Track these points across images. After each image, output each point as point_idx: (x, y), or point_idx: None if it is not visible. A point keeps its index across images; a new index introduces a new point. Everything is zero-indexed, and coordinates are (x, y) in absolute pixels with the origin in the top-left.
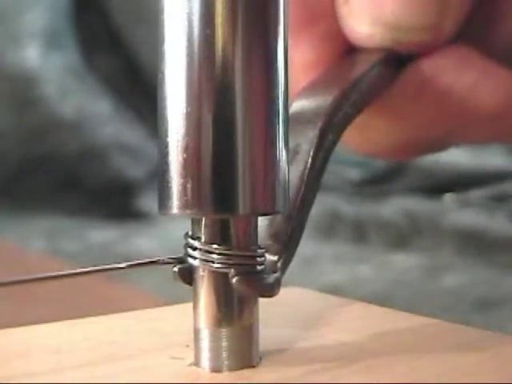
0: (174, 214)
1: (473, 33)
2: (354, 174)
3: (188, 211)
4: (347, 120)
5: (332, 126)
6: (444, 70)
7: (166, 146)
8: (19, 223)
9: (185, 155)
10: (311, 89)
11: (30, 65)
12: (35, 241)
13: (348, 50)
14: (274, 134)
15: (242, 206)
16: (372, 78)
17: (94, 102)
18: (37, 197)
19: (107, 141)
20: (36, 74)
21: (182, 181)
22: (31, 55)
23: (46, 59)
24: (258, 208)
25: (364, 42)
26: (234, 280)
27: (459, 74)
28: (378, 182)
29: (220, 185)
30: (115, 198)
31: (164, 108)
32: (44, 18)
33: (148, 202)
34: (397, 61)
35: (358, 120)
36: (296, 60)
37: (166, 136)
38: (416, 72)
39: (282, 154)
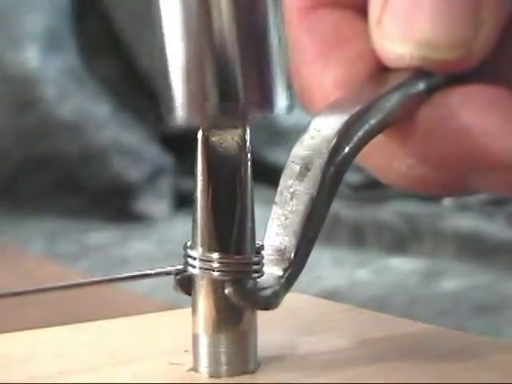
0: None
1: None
2: (354, 178)
3: None
4: (363, 140)
5: (346, 144)
6: (470, 107)
7: None
8: (18, 225)
9: None
10: (331, 107)
11: (29, 66)
12: (34, 242)
13: (380, 71)
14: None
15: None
16: (394, 100)
17: (93, 104)
18: (36, 199)
19: (106, 143)
20: (36, 76)
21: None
22: (31, 57)
23: (45, 61)
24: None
25: (395, 62)
26: (227, 291)
27: (482, 116)
28: (377, 186)
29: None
30: (114, 200)
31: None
32: (44, 19)
33: (147, 204)
34: (425, 84)
35: (377, 144)
36: (326, 80)
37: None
38: (439, 102)
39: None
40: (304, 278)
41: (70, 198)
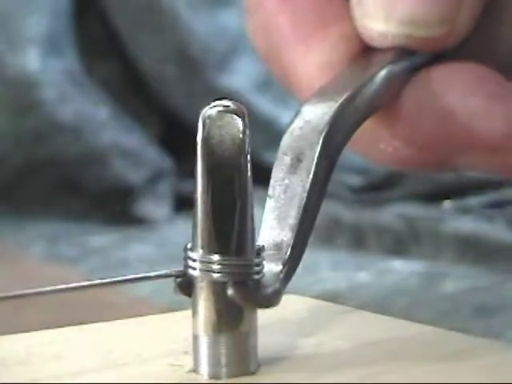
0: None
1: (492, 49)
2: (354, 180)
3: None
4: (353, 126)
5: (337, 133)
6: (453, 87)
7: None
8: (18, 228)
9: None
10: (318, 95)
11: (29, 69)
12: (34, 245)
13: (363, 52)
14: None
15: None
16: (380, 82)
17: (93, 106)
18: (36, 201)
19: (106, 146)
20: (36, 79)
21: None
22: (31, 59)
23: (45, 64)
24: None
25: (378, 42)
26: (229, 291)
27: (468, 96)
28: (377, 189)
29: None
30: (114, 203)
31: None
32: (44, 22)
33: (147, 206)
34: (409, 64)
35: (365, 127)
36: (309, 63)
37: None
38: (423, 83)
39: None
40: (304, 280)
41: (70, 201)
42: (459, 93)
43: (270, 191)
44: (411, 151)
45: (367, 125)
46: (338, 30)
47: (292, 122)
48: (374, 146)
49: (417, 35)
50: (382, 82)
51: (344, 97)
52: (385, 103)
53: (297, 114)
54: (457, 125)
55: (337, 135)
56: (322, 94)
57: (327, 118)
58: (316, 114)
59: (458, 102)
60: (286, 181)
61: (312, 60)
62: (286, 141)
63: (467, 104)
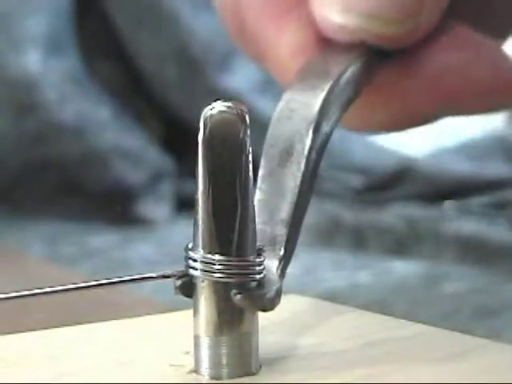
0: None
1: (466, 11)
2: (355, 180)
3: None
4: (339, 114)
5: (324, 123)
6: (439, 51)
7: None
8: (19, 228)
9: None
10: (300, 81)
11: (30, 70)
12: (35, 246)
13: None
14: None
15: None
16: (360, 66)
17: (94, 107)
18: (37, 202)
19: (107, 146)
20: (37, 80)
21: None
22: (32, 60)
23: (47, 64)
24: None
25: (334, 33)
26: (236, 298)
27: (453, 54)
28: (378, 189)
29: None
30: (115, 204)
31: None
32: (46, 23)
33: (148, 207)
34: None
35: (357, 106)
36: (281, 46)
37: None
38: (411, 53)
39: None
40: (305, 280)
41: (71, 202)
42: (447, 52)
43: (258, 183)
44: (399, 120)
45: (359, 103)
46: (308, 12)
47: (277, 110)
48: (357, 123)
49: (379, 31)
50: (361, 66)
51: (327, 86)
52: (369, 84)
53: (280, 102)
54: (450, 81)
55: (324, 126)
56: (303, 80)
57: (315, 108)
58: (302, 103)
59: (447, 61)
60: (277, 174)
61: (283, 42)
62: (273, 131)
63: (456, 60)
